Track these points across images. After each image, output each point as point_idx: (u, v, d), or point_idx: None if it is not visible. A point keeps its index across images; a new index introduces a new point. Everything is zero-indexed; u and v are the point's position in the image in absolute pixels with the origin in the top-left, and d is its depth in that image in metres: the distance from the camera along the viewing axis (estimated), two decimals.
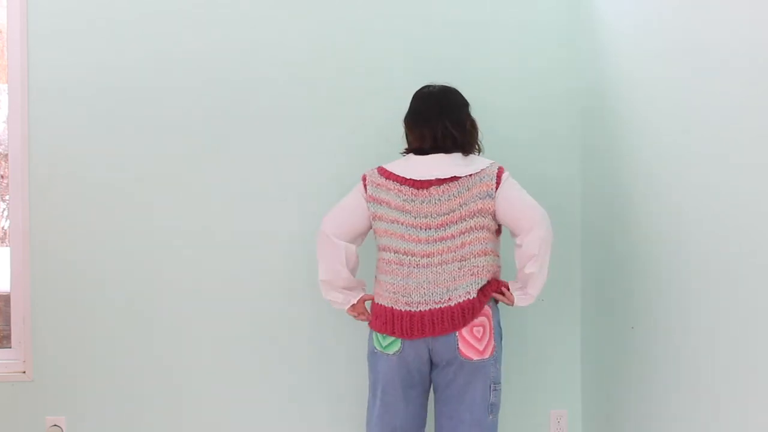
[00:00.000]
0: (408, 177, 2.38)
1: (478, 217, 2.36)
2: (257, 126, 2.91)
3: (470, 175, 2.37)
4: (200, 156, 2.90)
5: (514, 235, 2.42)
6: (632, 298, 2.56)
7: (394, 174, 2.41)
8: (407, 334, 2.34)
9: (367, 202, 2.44)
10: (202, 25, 2.90)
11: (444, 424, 2.40)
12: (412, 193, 2.38)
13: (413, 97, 2.50)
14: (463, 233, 2.36)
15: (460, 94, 2.50)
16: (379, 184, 2.43)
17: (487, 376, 2.37)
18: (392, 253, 2.40)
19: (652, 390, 2.41)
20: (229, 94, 2.91)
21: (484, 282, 2.38)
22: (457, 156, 2.40)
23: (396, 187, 2.40)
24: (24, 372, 2.88)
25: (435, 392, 2.46)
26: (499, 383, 2.42)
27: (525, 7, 2.97)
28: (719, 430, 2.02)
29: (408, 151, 2.47)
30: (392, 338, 2.37)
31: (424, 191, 2.37)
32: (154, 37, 2.89)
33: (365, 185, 2.46)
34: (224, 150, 2.91)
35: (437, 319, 2.33)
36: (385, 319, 2.39)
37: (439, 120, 2.40)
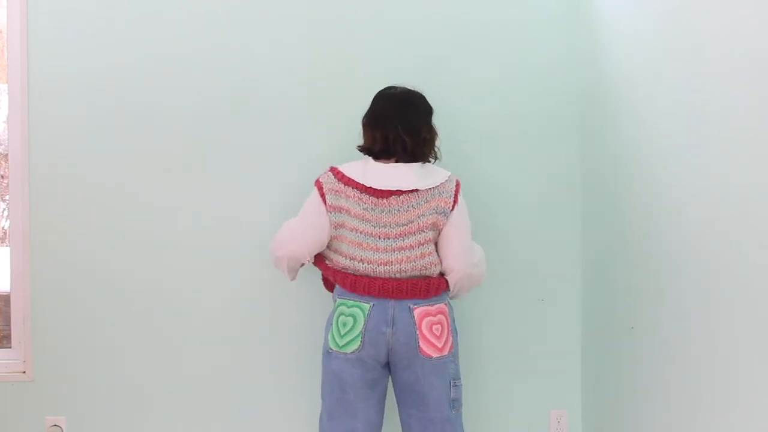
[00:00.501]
0: (368, 185, 2.38)
1: (431, 230, 2.40)
2: (257, 126, 2.91)
3: (430, 189, 2.39)
4: (200, 156, 2.90)
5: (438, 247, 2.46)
6: (632, 298, 2.56)
7: (354, 180, 2.39)
8: (375, 292, 2.35)
9: (327, 212, 2.42)
10: (203, 25, 2.90)
11: (413, 426, 2.40)
12: (372, 202, 2.38)
13: (374, 97, 2.50)
14: (422, 244, 2.39)
15: (423, 99, 2.48)
16: (337, 191, 2.41)
17: (448, 372, 2.39)
18: (347, 259, 2.42)
19: (652, 390, 2.41)
20: (230, 94, 2.91)
21: (441, 289, 2.44)
22: (416, 166, 2.40)
23: (356, 195, 2.39)
24: (24, 372, 2.88)
25: (397, 395, 2.45)
26: (459, 379, 2.44)
27: (525, 6, 2.97)
28: (719, 429, 2.02)
29: (363, 150, 2.46)
30: (351, 337, 2.36)
31: (384, 201, 2.37)
32: (154, 37, 2.89)
33: (323, 196, 2.42)
34: (225, 150, 2.91)
35: (400, 286, 2.36)
36: (351, 282, 2.39)
37: (392, 124, 2.40)
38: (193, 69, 2.89)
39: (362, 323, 2.36)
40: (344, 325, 2.39)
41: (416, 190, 2.37)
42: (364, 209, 2.38)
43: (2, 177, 3.27)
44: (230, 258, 2.91)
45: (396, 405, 2.50)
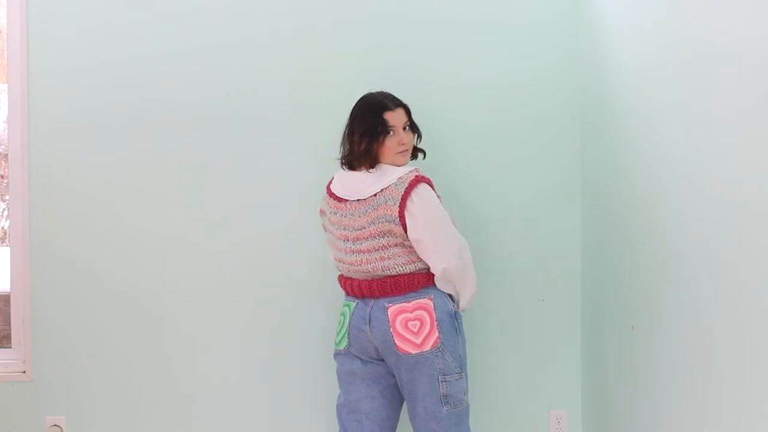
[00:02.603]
0: (333, 191, 2.50)
1: (389, 236, 2.38)
2: (258, 125, 2.91)
3: (373, 196, 2.38)
4: (200, 155, 2.90)
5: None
6: (632, 298, 2.56)
7: (329, 189, 2.53)
8: (356, 292, 2.45)
9: (321, 215, 2.60)
10: (202, 24, 2.90)
11: (412, 424, 2.47)
12: (335, 206, 2.48)
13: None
14: (378, 249, 2.39)
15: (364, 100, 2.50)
16: (325, 197, 2.56)
17: (433, 368, 2.36)
18: (334, 260, 2.56)
19: (652, 390, 2.41)
20: (231, 93, 2.91)
21: (418, 285, 2.41)
22: (374, 173, 2.42)
23: (329, 200, 2.51)
24: (24, 372, 2.88)
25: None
26: (454, 374, 2.39)
27: (524, 7, 2.97)
28: (719, 429, 2.02)
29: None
30: (341, 335, 2.49)
31: (342, 205, 2.46)
32: (153, 37, 2.89)
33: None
34: (225, 149, 2.91)
35: (371, 286, 2.41)
36: (341, 282, 2.54)
37: (346, 131, 2.52)
38: (192, 68, 2.89)
39: (348, 321, 2.47)
40: (339, 323, 2.54)
41: (360, 200, 2.41)
42: (332, 213, 2.49)
43: (2, 177, 3.27)
44: (231, 258, 2.91)
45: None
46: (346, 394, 2.50)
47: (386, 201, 2.36)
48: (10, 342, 2.93)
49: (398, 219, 2.34)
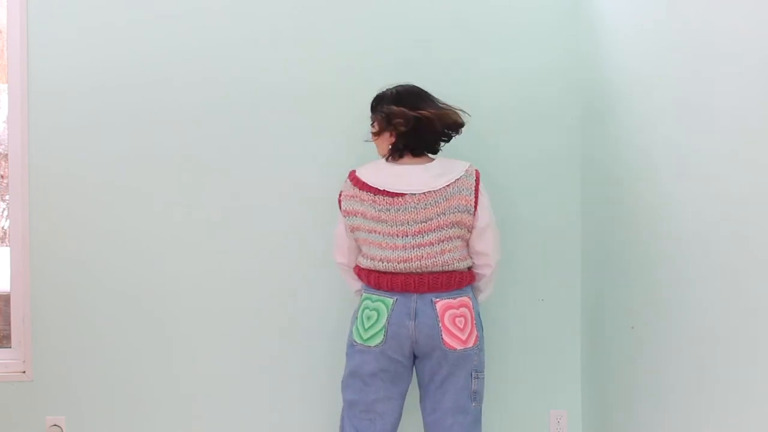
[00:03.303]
0: (381, 188, 2.41)
1: (456, 227, 2.41)
2: (258, 125, 2.91)
3: (446, 187, 2.41)
4: (201, 155, 2.90)
5: (470, 244, 2.50)
6: (632, 298, 2.56)
7: (367, 185, 2.44)
8: (398, 287, 2.39)
9: (344, 218, 2.50)
10: (203, 24, 2.90)
11: (428, 420, 2.44)
12: (387, 202, 2.41)
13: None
14: (442, 241, 2.41)
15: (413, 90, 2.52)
16: (353, 196, 2.46)
17: (471, 365, 2.41)
18: (368, 260, 2.46)
19: (652, 390, 2.41)
20: (231, 93, 2.91)
21: (465, 282, 2.47)
22: (430, 165, 2.44)
23: (370, 198, 2.42)
24: (24, 372, 2.89)
25: (420, 388, 2.49)
26: (482, 372, 2.46)
27: (525, 5, 2.97)
28: (719, 429, 2.02)
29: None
30: (374, 331, 2.40)
31: (400, 199, 2.40)
32: (153, 36, 2.89)
33: (340, 203, 2.51)
34: (225, 149, 2.91)
35: (421, 281, 2.39)
36: (375, 279, 2.44)
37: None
38: (192, 68, 2.90)
39: (385, 317, 2.40)
40: (368, 318, 2.43)
41: (429, 191, 2.40)
42: (379, 211, 2.41)
43: (2, 177, 3.27)
44: (231, 258, 2.91)
45: (417, 404, 2.53)
46: (361, 394, 2.43)
47: (460, 191, 2.40)
48: (10, 342, 2.93)
49: (473, 209, 2.41)
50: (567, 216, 2.99)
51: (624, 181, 2.62)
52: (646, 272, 2.45)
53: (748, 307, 1.87)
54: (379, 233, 2.42)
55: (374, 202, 2.42)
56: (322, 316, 2.91)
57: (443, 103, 2.49)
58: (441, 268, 2.40)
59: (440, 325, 2.38)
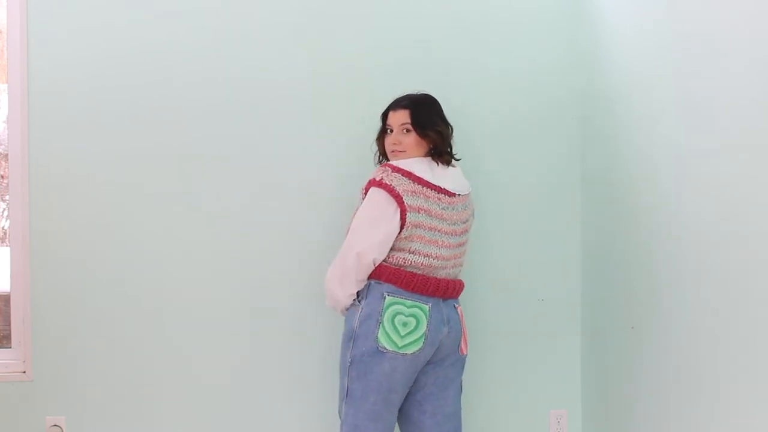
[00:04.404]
0: (442, 186, 2.43)
1: (468, 233, 2.54)
2: (259, 124, 2.91)
3: (468, 193, 2.54)
4: (201, 155, 2.90)
5: None
6: (632, 298, 2.56)
7: (427, 181, 2.39)
8: (433, 292, 2.39)
9: (406, 212, 2.34)
10: (203, 24, 2.90)
11: (426, 423, 2.43)
12: (447, 201, 2.44)
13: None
14: (464, 244, 2.53)
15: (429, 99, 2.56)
16: (414, 192, 2.37)
17: (463, 368, 2.54)
18: (420, 257, 2.39)
19: (651, 390, 2.41)
20: (232, 92, 2.90)
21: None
22: (454, 168, 2.52)
23: (434, 195, 2.41)
24: (24, 372, 2.88)
25: (416, 393, 2.45)
26: None
27: (525, 5, 2.97)
28: (719, 429, 2.02)
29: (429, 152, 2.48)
30: (414, 338, 2.33)
31: (454, 199, 2.46)
32: (154, 36, 2.88)
33: (397, 197, 2.34)
34: (226, 148, 2.91)
35: (448, 286, 2.45)
36: (417, 282, 2.36)
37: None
38: (194, 68, 2.89)
39: (425, 324, 2.36)
40: (405, 325, 2.35)
41: (467, 194, 2.52)
42: (442, 208, 2.42)
43: (2, 177, 3.27)
44: (233, 258, 2.91)
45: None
46: (385, 405, 2.36)
47: (471, 199, 2.56)
48: (10, 342, 2.92)
49: (472, 217, 2.57)
50: (567, 216, 2.99)
51: (624, 180, 2.62)
52: (646, 272, 2.45)
53: (749, 307, 1.87)
54: (440, 231, 2.42)
55: (438, 199, 2.42)
56: (324, 317, 2.90)
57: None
58: (458, 272, 2.52)
59: (462, 330, 2.48)
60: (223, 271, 2.91)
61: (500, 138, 2.97)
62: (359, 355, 2.36)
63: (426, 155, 2.47)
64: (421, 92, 2.54)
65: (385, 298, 2.36)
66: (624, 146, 2.61)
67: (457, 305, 2.49)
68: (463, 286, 2.53)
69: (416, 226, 2.37)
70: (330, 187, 2.82)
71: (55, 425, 2.87)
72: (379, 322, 2.35)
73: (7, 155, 2.92)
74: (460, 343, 2.46)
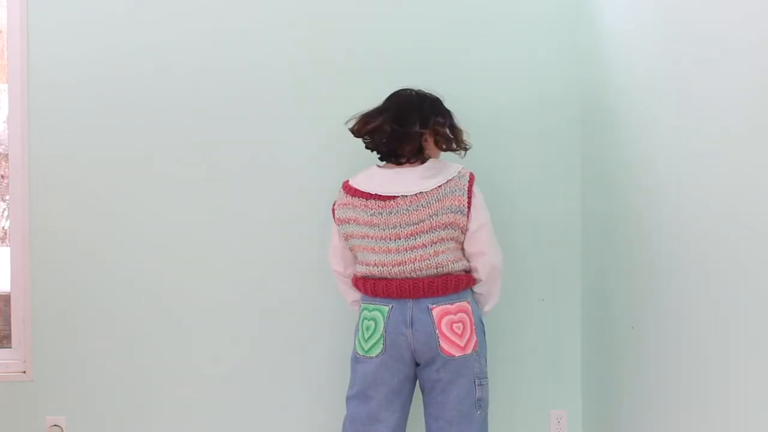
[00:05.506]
0: (373, 192, 2.41)
1: (449, 229, 2.38)
2: (260, 123, 2.91)
3: (437, 188, 2.39)
4: (201, 155, 2.90)
5: (465, 246, 2.46)
6: (632, 298, 2.56)
7: (359, 190, 2.43)
8: (394, 294, 2.37)
9: (338, 225, 2.48)
10: (204, 24, 2.90)
11: (431, 426, 2.42)
12: (378, 206, 2.40)
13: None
14: (435, 243, 2.38)
15: (420, 98, 2.50)
16: (345, 204, 2.45)
17: (472, 371, 2.38)
18: (363, 266, 2.44)
19: (651, 390, 2.41)
20: (234, 90, 2.91)
21: (461, 286, 2.42)
22: (421, 167, 2.43)
23: (362, 203, 2.41)
24: (24, 372, 2.88)
25: (422, 394, 2.46)
26: (485, 378, 2.42)
27: (525, 2, 2.97)
28: (720, 429, 2.02)
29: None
30: (374, 341, 2.38)
31: (391, 202, 2.39)
32: (154, 37, 2.89)
33: (333, 212, 2.50)
34: (226, 148, 2.91)
35: (416, 285, 2.37)
36: (370, 287, 2.42)
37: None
38: (194, 68, 2.89)
39: (382, 326, 2.37)
40: (367, 329, 2.41)
41: (421, 193, 2.39)
42: (371, 215, 2.40)
43: (2, 177, 3.27)
44: (233, 258, 2.91)
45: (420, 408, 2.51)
46: (363, 406, 2.41)
47: (453, 192, 2.38)
48: (10, 342, 2.93)
49: (466, 209, 2.38)
50: (567, 215, 2.99)
51: (624, 179, 2.62)
52: (646, 272, 2.44)
53: (749, 306, 1.87)
54: (372, 237, 2.40)
55: (366, 206, 2.40)
56: (324, 317, 2.91)
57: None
58: (435, 271, 2.38)
59: (437, 332, 2.34)
60: (225, 271, 2.92)
61: (499, 136, 2.96)
62: (351, 361, 2.49)
63: (443, 151, 2.52)
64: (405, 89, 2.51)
65: (361, 306, 2.49)
66: (624, 144, 2.61)
67: (432, 306, 2.36)
68: (452, 283, 2.38)
69: (349, 236, 2.46)
70: (333, 187, 2.81)
71: (55, 425, 2.87)
72: (357, 330, 2.46)
73: (7, 155, 2.92)
74: (437, 344, 2.34)
